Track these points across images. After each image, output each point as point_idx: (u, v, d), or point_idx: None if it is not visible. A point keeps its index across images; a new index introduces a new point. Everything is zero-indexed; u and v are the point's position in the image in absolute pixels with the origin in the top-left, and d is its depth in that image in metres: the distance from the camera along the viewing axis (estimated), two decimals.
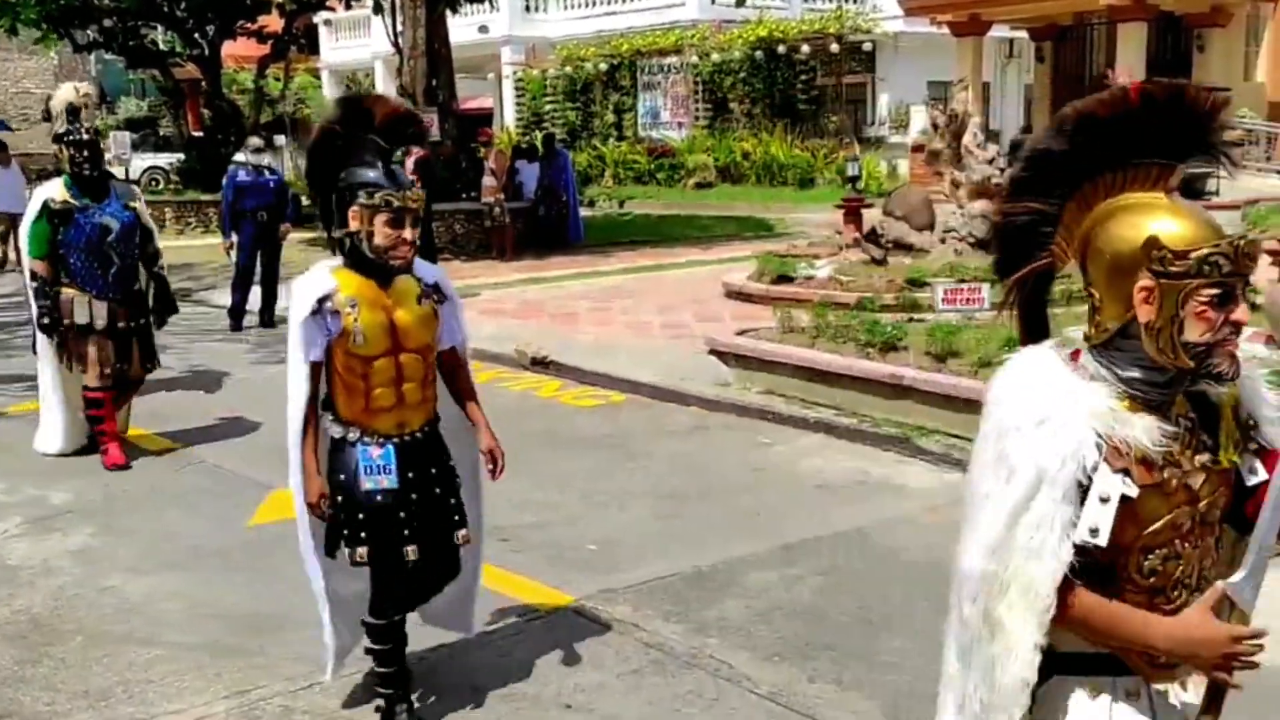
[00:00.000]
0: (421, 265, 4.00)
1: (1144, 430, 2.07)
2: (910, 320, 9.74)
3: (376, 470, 3.83)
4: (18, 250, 10.25)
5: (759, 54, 30.44)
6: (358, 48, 38.02)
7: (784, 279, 12.73)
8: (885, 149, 28.90)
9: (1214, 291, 2.02)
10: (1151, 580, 2.13)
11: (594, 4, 34.57)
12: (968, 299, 9.80)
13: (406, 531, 3.89)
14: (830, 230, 16.94)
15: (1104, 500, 2.07)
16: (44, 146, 23.93)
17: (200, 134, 26.57)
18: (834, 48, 29.91)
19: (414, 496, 3.91)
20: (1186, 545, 2.13)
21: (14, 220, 14.31)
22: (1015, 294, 2.31)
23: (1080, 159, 2.13)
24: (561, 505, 6.66)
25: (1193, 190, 22.04)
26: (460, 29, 28.70)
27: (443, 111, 19.38)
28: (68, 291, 7.23)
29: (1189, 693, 2.24)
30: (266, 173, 12.66)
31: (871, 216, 14.64)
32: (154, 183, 30.54)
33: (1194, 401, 2.16)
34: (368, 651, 4.19)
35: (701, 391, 9.14)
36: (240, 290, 12.50)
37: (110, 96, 38.81)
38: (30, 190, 11.32)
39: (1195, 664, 2.10)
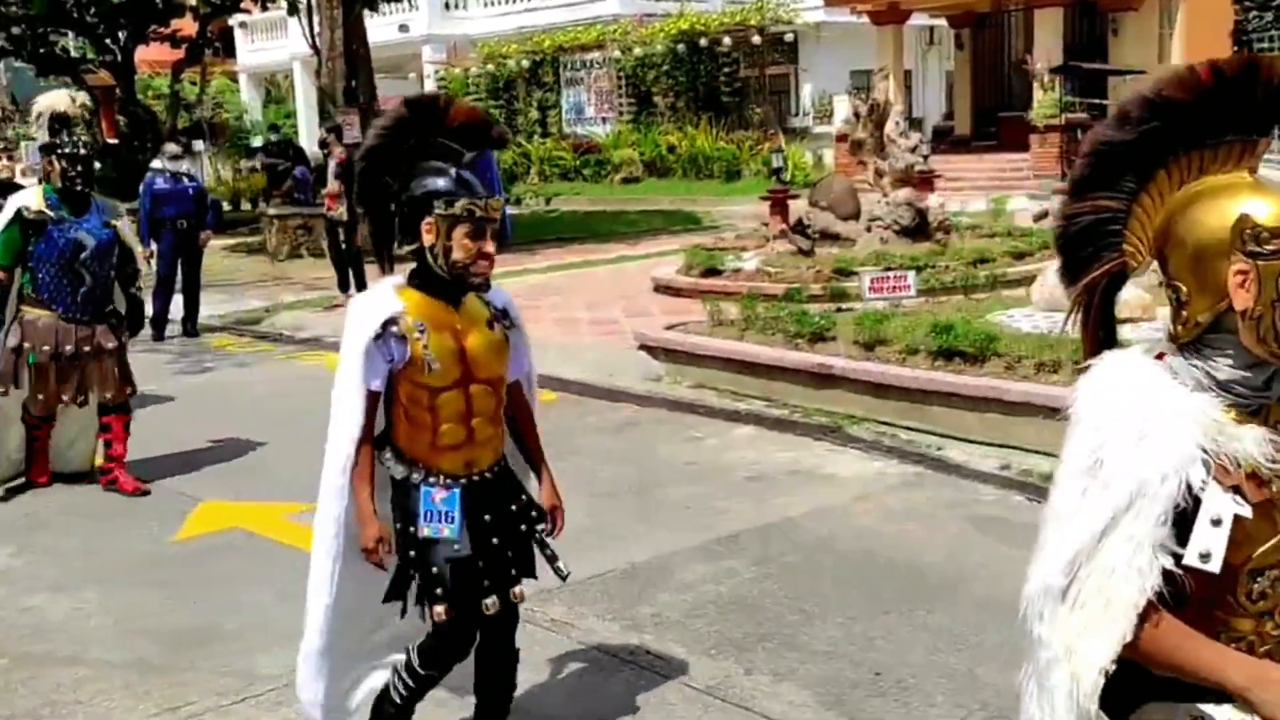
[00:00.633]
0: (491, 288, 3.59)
1: (1254, 443, 1.93)
2: (838, 310, 9.81)
3: (437, 517, 3.39)
4: None
5: (681, 47, 30.51)
6: (275, 49, 37.52)
7: (712, 272, 12.79)
8: (810, 139, 29.10)
9: None
10: (1260, 604, 1.97)
11: (515, 1, 34.43)
12: (894, 287, 9.89)
13: (486, 582, 3.45)
14: (757, 222, 17.01)
15: (1215, 523, 1.90)
16: None
17: (116, 141, 26.06)
18: (756, 39, 30.05)
19: (495, 541, 3.47)
20: None
21: None
22: (1083, 300, 2.15)
23: (1151, 147, 2.02)
24: None
25: None
26: (379, 28, 28.46)
27: (363, 113, 19.12)
28: (33, 311, 6.73)
29: None
30: (185, 179, 12.47)
31: (798, 207, 14.72)
32: None
33: None
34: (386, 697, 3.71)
35: (632, 387, 9.13)
36: (161, 299, 12.28)
37: (20, 105, 37.98)
38: None
39: (1269, 712, 1.91)
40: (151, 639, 5.01)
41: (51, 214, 6.72)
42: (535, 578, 3.63)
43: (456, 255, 3.31)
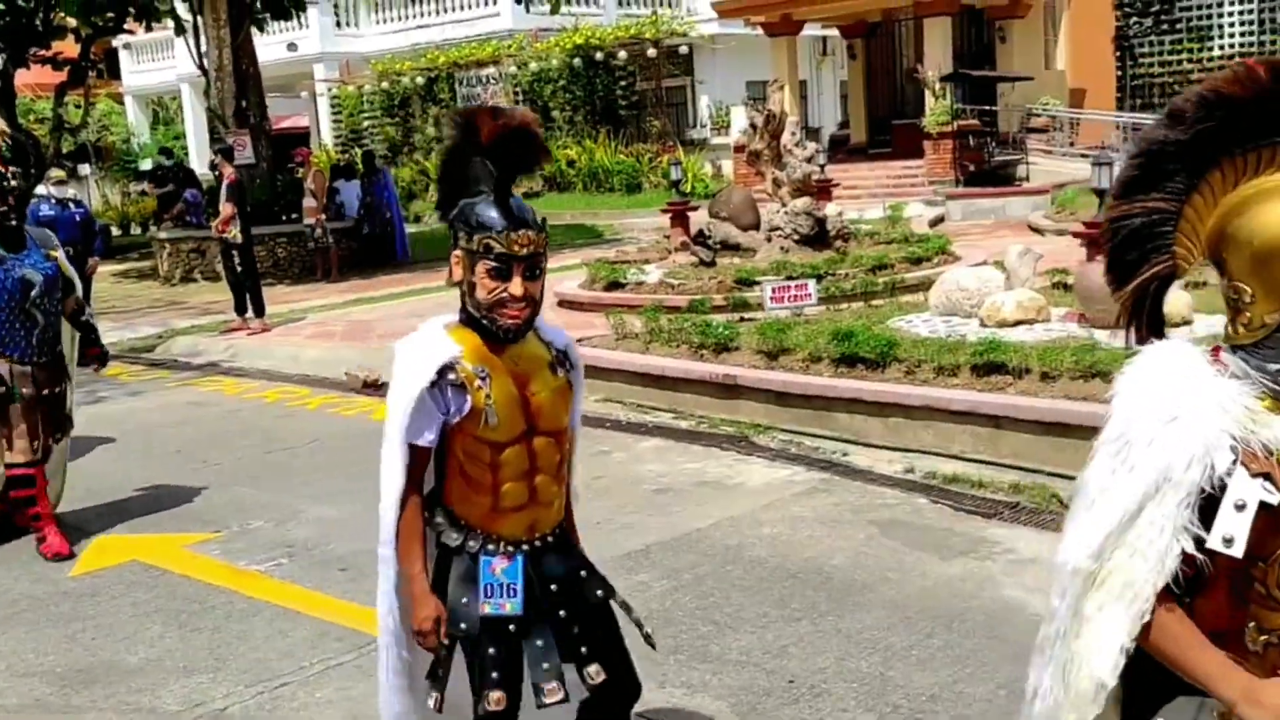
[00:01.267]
0: (547, 326, 3.18)
1: None
2: (741, 320, 9.87)
3: (500, 591, 2.96)
4: None
5: (577, 61, 30.52)
6: (162, 70, 36.82)
7: (615, 285, 12.78)
8: (708, 150, 29.31)
9: None
10: None
11: (407, 18, 34.15)
12: (795, 295, 9.97)
13: (546, 665, 2.99)
14: (659, 234, 17.07)
15: (1239, 507, 1.89)
16: None
17: None
18: (651, 52, 30.18)
19: (562, 614, 3.06)
20: None
21: None
22: (1132, 303, 2.10)
23: (1205, 146, 1.99)
24: None
25: (1002, 177, 22.95)
26: (270, 47, 28.07)
27: (255, 132, 18.90)
28: None
29: None
30: (71, 205, 12.20)
31: (698, 219, 14.80)
32: None
33: None
34: None
35: None
36: None
37: None
38: None
39: None
40: (47, 679, 4.84)
41: None
42: (607, 662, 3.09)
43: (479, 294, 2.94)
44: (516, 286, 2.90)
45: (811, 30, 29.20)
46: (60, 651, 5.12)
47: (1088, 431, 7.34)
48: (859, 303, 10.89)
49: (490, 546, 3.00)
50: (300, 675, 4.70)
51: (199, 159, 29.69)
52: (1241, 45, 24.71)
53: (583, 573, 3.17)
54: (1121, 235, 2.08)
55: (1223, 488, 1.91)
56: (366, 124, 34.79)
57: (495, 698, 2.92)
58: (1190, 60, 25.24)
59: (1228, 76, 1.98)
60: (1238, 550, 1.89)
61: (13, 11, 22.28)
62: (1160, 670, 1.99)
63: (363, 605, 5.37)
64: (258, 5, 20.59)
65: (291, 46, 33.20)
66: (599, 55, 30.24)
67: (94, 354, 6.83)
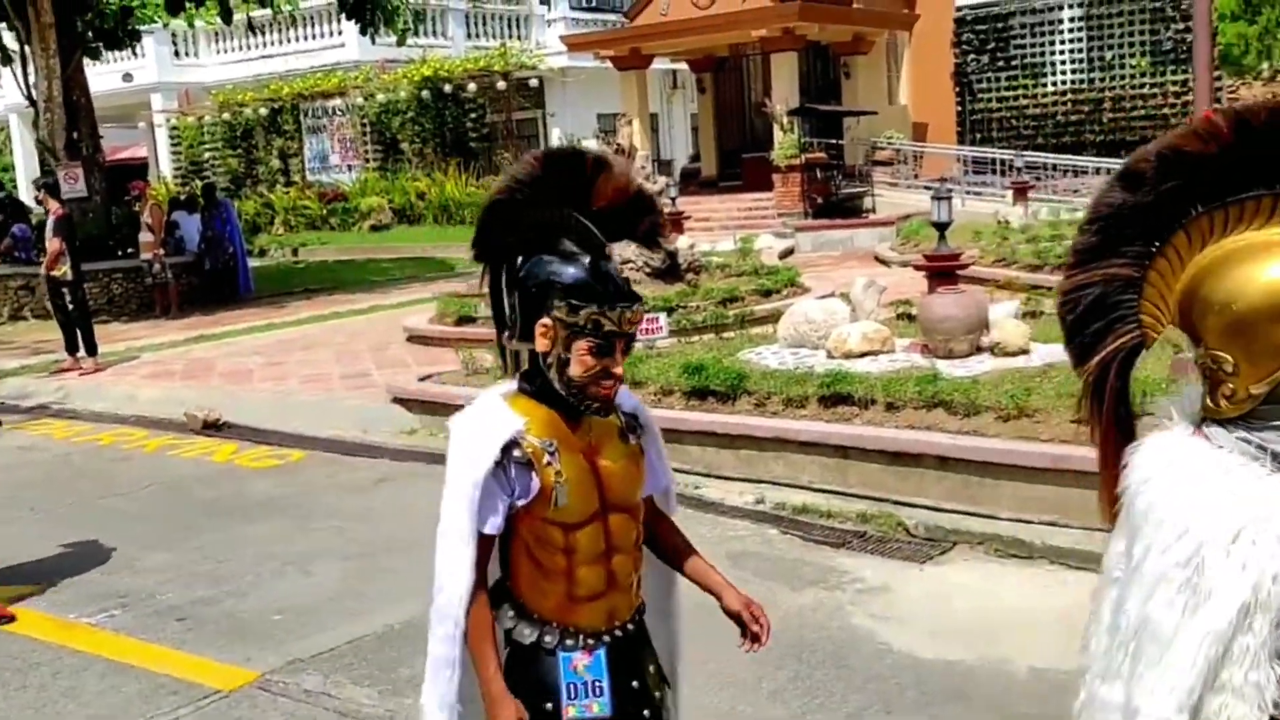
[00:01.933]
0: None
1: None
2: None
3: (585, 691, 2.67)
4: None
5: (426, 93, 30.30)
6: None
7: (466, 320, 12.63)
8: None
9: None
10: None
11: (249, 48, 33.43)
12: (647, 329, 9.97)
13: None
14: None
15: None
16: None
17: None
18: (501, 84, 30.12)
19: (646, 714, 2.79)
20: None
21: None
22: (1095, 378, 1.95)
23: (1167, 207, 1.86)
24: (239, 575, 6.27)
25: (849, 209, 23.49)
26: (104, 76, 27.22)
27: (88, 165, 18.23)
28: None
29: None
30: None
31: None
32: None
33: None
34: None
35: (386, 441, 8.90)
36: None
37: None
38: None
39: None
40: None
41: None
42: None
43: (574, 370, 2.59)
44: (619, 365, 2.62)
45: (661, 64, 29.50)
46: None
47: (932, 460, 7.45)
48: (710, 335, 10.96)
49: (569, 641, 2.69)
50: None
51: (27, 191, 28.52)
52: (1073, 82, 25.85)
53: (651, 668, 2.89)
54: (1082, 306, 1.95)
55: None
56: (208, 155, 33.96)
57: None
58: (1025, 96, 26.30)
59: (1185, 132, 1.87)
60: None
61: None
62: None
63: (200, 656, 5.17)
64: (89, 35, 19.91)
65: (127, 77, 32.23)
66: (448, 87, 30.08)
67: None
